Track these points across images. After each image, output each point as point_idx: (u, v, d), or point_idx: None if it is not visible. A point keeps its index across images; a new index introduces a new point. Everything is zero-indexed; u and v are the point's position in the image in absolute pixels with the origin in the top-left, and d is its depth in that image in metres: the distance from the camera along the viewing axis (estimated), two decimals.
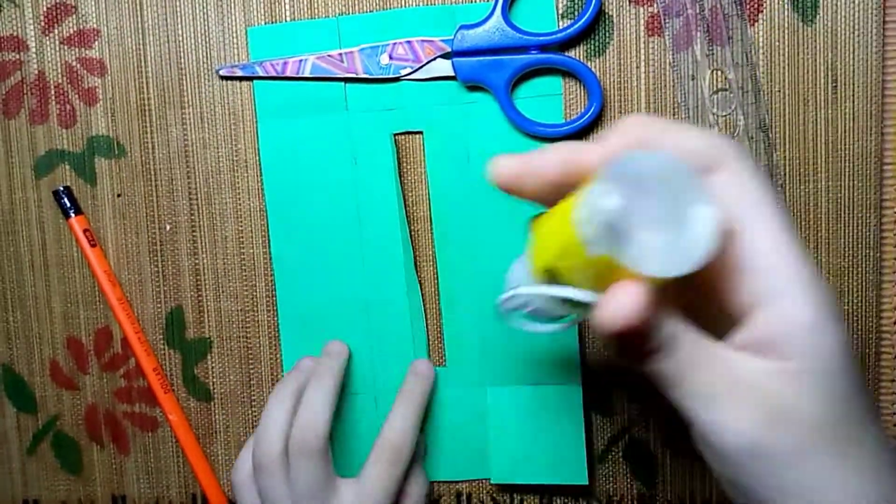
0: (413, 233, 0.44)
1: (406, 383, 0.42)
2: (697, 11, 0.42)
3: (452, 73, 0.42)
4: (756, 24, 0.41)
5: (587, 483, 0.43)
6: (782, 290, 0.25)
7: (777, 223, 0.25)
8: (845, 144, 0.42)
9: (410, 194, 0.44)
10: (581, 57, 0.42)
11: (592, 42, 0.42)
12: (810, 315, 0.25)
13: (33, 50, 0.45)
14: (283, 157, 0.43)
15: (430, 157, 0.43)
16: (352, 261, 0.44)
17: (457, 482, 0.45)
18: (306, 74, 0.42)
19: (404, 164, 0.44)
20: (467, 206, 0.43)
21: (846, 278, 0.42)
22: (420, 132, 0.43)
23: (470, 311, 0.43)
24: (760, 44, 0.41)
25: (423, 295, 0.44)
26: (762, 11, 0.41)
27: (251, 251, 0.45)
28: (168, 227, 0.45)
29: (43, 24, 0.45)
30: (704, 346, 0.25)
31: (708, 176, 0.25)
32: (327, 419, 0.39)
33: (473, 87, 0.42)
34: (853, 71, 0.41)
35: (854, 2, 0.41)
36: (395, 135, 0.43)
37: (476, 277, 0.43)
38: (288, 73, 0.43)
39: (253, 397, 0.46)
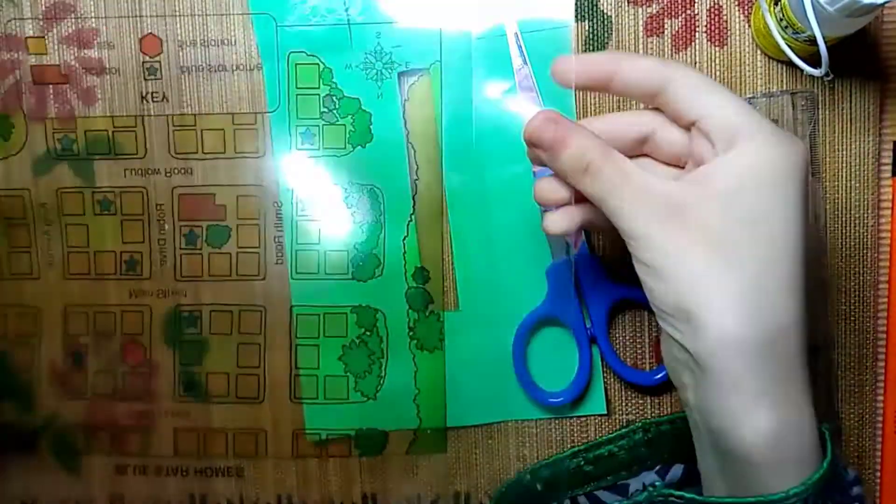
0: (424, 175, 0.43)
1: None
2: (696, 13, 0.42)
3: None
4: (750, 25, 0.41)
5: (605, 412, 0.44)
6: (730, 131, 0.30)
7: (729, 102, 0.30)
8: (843, 145, 0.42)
9: (421, 134, 0.43)
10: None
11: (591, 42, 0.42)
12: (732, 132, 0.29)
13: (32, 49, 0.45)
14: (288, 100, 0.42)
15: (438, 95, 0.42)
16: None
17: (455, 483, 0.45)
18: None
19: (413, 104, 0.43)
20: (478, 145, 0.42)
21: (844, 278, 0.42)
22: (428, 70, 0.42)
23: (481, 253, 0.42)
24: (751, 46, 0.41)
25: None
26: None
27: (250, 252, 0.45)
28: (166, 227, 0.45)
29: (42, 23, 0.44)
30: (624, 169, 0.31)
31: (664, 89, 0.31)
32: None
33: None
34: (851, 71, 0.41)
35: None
36: (401, 74, 0.42)
37: (487, 219, 0.42)
38: None
39: None
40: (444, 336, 0.41)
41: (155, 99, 0.41)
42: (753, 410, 0.29)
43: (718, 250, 0.29)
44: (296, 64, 0.39)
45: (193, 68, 0.42)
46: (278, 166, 0.42)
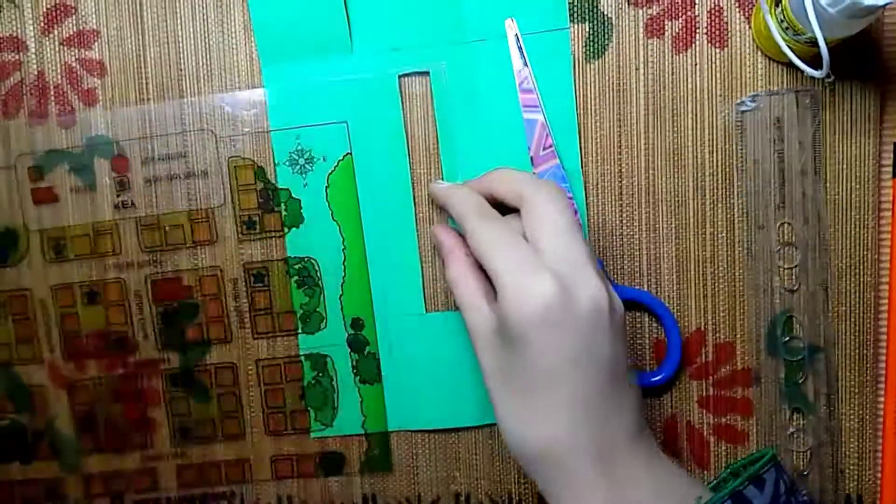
0: (422, 173, 0.44)
1: None
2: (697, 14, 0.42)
3: None
4: (750, 27, 0.41)
5: None
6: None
7: (493, 251, 0.36)
8: (844, 146, 0.42)
9: (419, 134, 0.44)
10: (580, 58, 0.42)
11: (591, 44, 0.42)
12: (495, 280, 0.35)
13: (33, 50, 0.45)
14: (288, 101, 0.44)
15: (437, 96, 0.43)
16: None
17: (455, 483, 0.45)
18: None
19: (412, 104, 0.43)
20: (476, 146, 0.43)
21: (845, 279, 0.42)
22: (427, 72, 0.43)
23: None
24: (752, 48, 0.41)
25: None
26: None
27: (253, 254, 0.45)
28: (167, 229, 0.45)
29: (42, 24, 0.44)
30: (466, 292, 0.38)
31: (521, 204, 0.37)
32: None
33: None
34: (851, 72, 0.41)
35: None
36: (401, 76, 0.43)
37: None
38: None
39: None
40: (382, 370, 0.45)
41: (125, 206, 0.45)
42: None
43: (498, 371, 0.36)
44: (234, 167, 0.45)
45: (155, 178, 0.45)
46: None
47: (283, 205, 0.44)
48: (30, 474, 0.47)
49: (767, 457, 0.37)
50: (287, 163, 0.44)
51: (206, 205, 0.45)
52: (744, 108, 0.42)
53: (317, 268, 0.45)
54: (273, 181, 0.44)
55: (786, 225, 0.42)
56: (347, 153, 0.44)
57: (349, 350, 0.45)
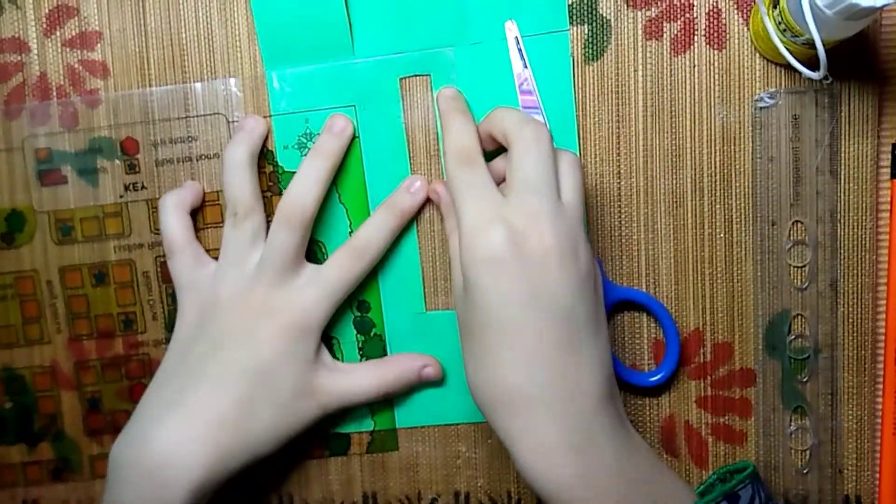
0: (422, 175, 0.44)
1: (394, 195, 0.44)
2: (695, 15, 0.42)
3: None
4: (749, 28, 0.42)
5: None
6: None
7: (518, 176, 0.37)
8: (842, 147, 0.42)
9: (419, 135, 0.44)
10: (579, 60, 0.43)
11: (591, 46, 0.43)
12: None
13: (35, 52, 0.45)
14: (290, 105, 0.44)
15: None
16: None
17: (455, 482, 0.45)
18: None
19: (412, 105, 0.44)
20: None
21: (843, 280, 0.43)
22: (427, 75, 0.44)
23: None
24: (750, 49, 0.42)
25: (435, 239, 0.45)
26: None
27: None
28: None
29: (45, 25, 0.45)
30: (450, 233, 0.41)
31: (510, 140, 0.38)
32: (316, 196, 0.42)
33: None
34: (849, 74, 0.42)
35: None
36: (401, 78, 0.44)
37: None
38: None
39: None
40: (388, 352, 0.45)
41: (135, 188, 0.46)
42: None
43: (462, 321, 0.37)
44: None
45: (165, 161, 0.45)
46: None
47: None
48: (35, 456, 0.47)
49: (746, 472, 0.37)
50: (296, 146, 0.44)
51: (216, 187, 0.45)
52: (762, 105, 0.42)
53: (324, 251, 0.44)
54: (281, 164, 0.45)
55: (798, 223, 0.42)
56: (355, 136, 0.44)
57: (355, 332, 0.45)
